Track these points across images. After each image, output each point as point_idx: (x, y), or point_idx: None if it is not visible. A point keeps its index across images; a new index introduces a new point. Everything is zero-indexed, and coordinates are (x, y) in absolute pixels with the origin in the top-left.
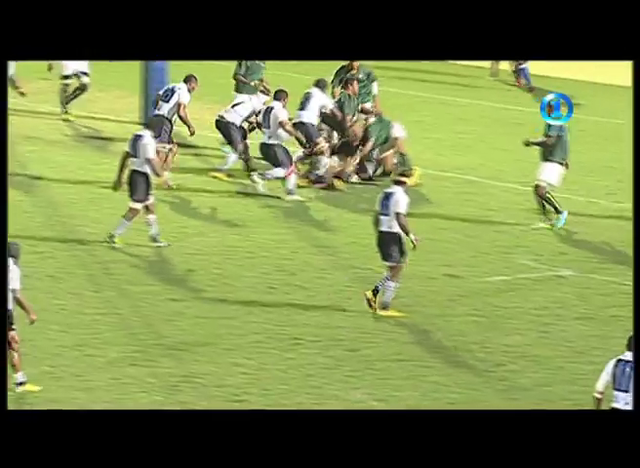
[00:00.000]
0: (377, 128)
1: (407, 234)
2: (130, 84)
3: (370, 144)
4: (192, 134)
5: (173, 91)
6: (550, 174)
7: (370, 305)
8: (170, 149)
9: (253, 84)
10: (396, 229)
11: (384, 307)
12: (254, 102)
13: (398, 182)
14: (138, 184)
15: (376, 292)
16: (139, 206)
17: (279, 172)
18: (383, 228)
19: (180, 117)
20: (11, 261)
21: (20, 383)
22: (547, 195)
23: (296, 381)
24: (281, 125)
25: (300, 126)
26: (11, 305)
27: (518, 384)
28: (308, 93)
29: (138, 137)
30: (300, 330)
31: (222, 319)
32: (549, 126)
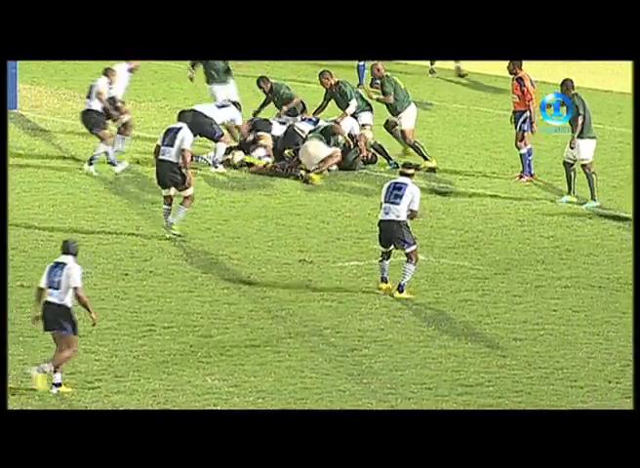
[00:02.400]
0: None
1: (411, 219)
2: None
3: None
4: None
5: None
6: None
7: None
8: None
9: None
10: (403, 218)
11: (400, 290)
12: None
13: (406, 174)
14: (169, 174)
15: (385, 281)
16: (190, 190)
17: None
18: (391, 217)
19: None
20: (71, 259)
21: (57, 384)
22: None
23: (149, 368)
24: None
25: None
26: (70, 303)
27: (371, 369)
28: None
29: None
30: (153, 316)
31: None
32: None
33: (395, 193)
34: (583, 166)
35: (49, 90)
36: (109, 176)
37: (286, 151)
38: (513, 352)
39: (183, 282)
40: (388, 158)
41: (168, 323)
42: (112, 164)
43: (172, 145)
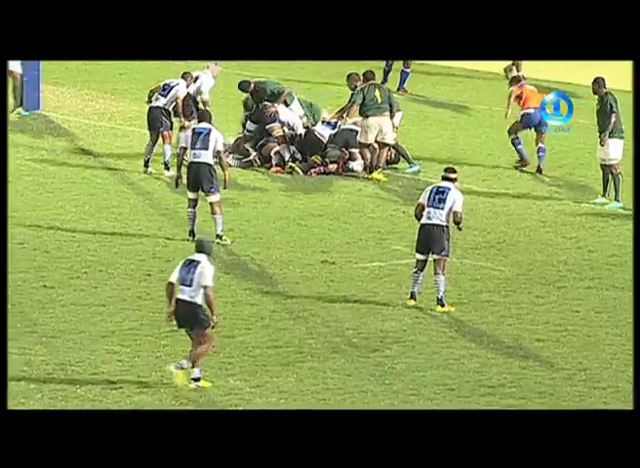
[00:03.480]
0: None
1: (458, 225)
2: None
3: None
4: None
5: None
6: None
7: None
8: None
9: None
10: (446, 222)
11: (441, 304)
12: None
13: (449, 179)
14: (207, 176)
15: (413, 297)
16: (217, 196)
17: None
18: (434, 221)
19: None
20: (205, 258)
21: (196, 379)
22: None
23: None
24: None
25: None
26: (201, 301)
27: (393, 370)
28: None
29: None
30: None
31: (96, 306)
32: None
33: (439, 197)
34: (610, 166)
35: (72, 90)
36: (132, 177)
37: (313, 157)
38: (536, 353)
39: None
40: (409, 161)
41: None
42: (166, 166)
43: (205, 148)
